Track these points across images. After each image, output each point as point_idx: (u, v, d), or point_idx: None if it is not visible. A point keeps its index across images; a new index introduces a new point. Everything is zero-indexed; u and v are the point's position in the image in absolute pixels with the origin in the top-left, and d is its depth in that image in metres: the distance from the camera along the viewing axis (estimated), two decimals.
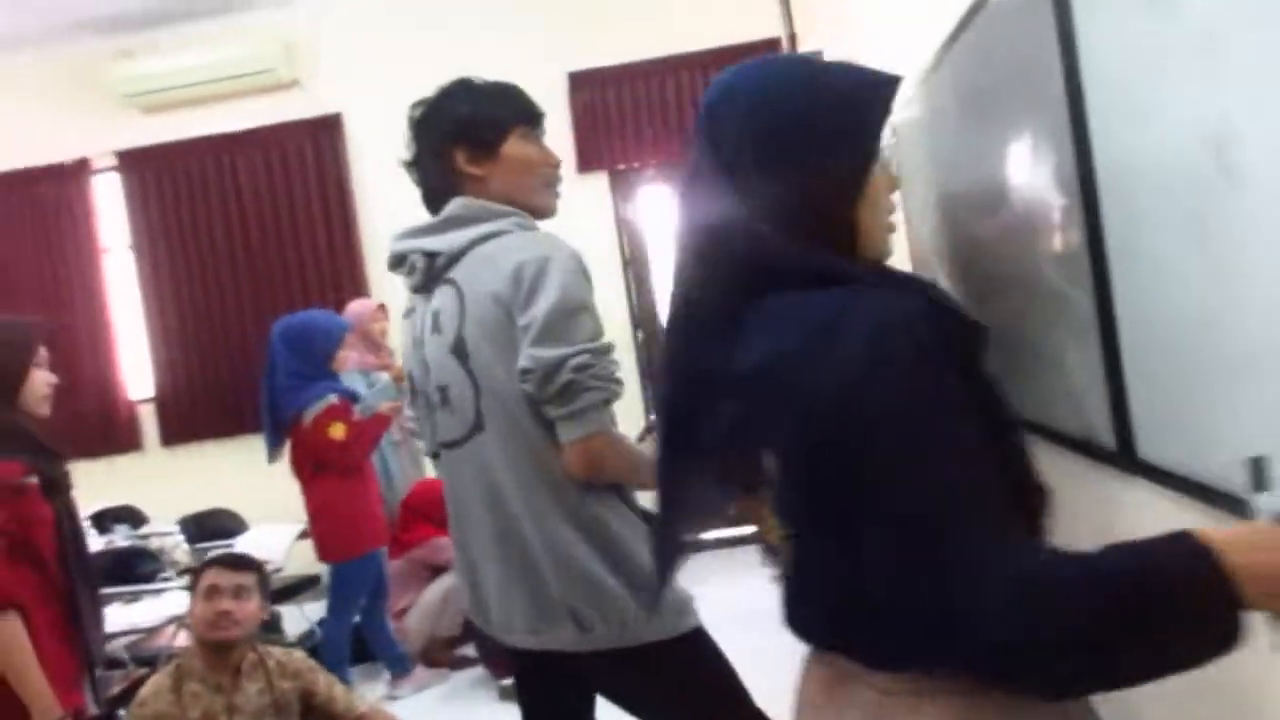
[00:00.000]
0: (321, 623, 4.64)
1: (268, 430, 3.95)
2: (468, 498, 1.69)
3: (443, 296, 1.66)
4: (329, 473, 3.83)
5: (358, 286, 6.06)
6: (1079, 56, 1.46)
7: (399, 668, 4.17)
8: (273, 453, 3.97)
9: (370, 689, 4.12)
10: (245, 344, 6.13)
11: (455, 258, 1.64)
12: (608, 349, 1.61)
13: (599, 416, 1.59)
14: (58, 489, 2.17)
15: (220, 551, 4.61)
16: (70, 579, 2.14)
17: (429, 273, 1.68)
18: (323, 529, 3.91)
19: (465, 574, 1.78)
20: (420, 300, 1.74)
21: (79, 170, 6.21)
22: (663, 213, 6.10)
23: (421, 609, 4.42)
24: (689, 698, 1.67)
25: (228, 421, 6.15)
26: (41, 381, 2.17)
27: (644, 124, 5.86)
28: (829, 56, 5.74)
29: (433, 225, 1.69)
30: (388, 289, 5.97)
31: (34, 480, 2.09)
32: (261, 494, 5.55)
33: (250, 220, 6.10)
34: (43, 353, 2.19)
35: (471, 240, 1.64)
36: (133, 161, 6.15)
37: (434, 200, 1.74)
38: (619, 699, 1.75)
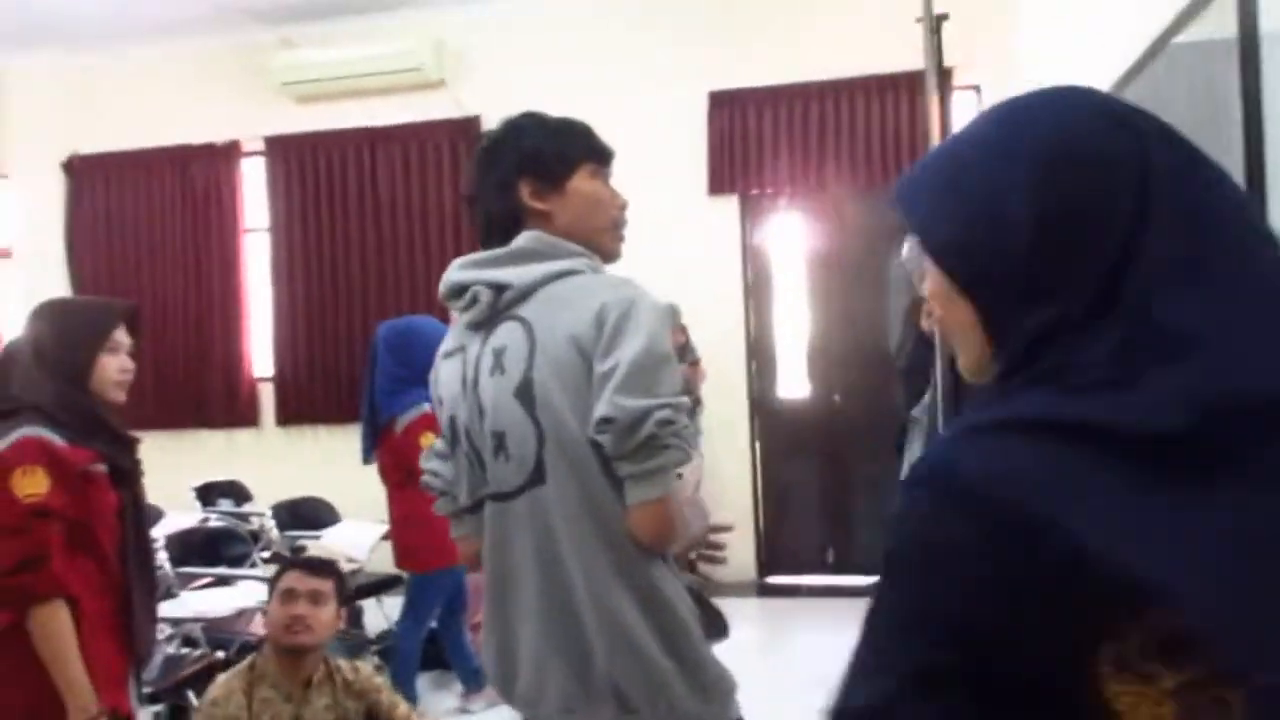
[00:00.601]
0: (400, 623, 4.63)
1: (365, 431, 3.96)
2: (514, 555, 1.53)
3: (508, 334, 1.51)
4: (417, 482, 3.77)
5: None
6: (1263, 105, 1.32)
7: (473, 682, 4.09)
8: (368, 455, 3.98)
9: (440, 699, 4.06)
10: (364, 335, 6.21)
11: (525, 294, 1.51)
12: (689, 407, 1.50)
13: (671, 479, 1.47)
14: (127, 479, 2.13)
15: (304, 552, 4.67)
16: (126, 572, 2.10)
17: (494, 307, 1.53)
18: (405, 538, 3.87)
19: (495, 637, 1.61)
20: (471, 337, 1.57)
21: (230, 152, 6.44)
22: (791, 242, 5.90)
23: None
24: None
25: (339, 409, 6.25)
26: (114, 368, 2.09)
27: (781, 149, 5.69)
28: (988, 94, 5.45)
29: (499, 257, 1.55)
30: None
31: (103, 468, 2.05)
32: (359, 486, 5.60)
33: (383, 215, 6.20)
34: (120, 337, 2.11)
35: (545, 276, 1.52)
36: (280, 147, 6.34)
37: (493, 235, 1.60)
38: None
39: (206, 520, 4.68)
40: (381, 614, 4.61)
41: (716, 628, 1.65)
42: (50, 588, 1.91)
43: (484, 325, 1.55)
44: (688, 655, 1.48)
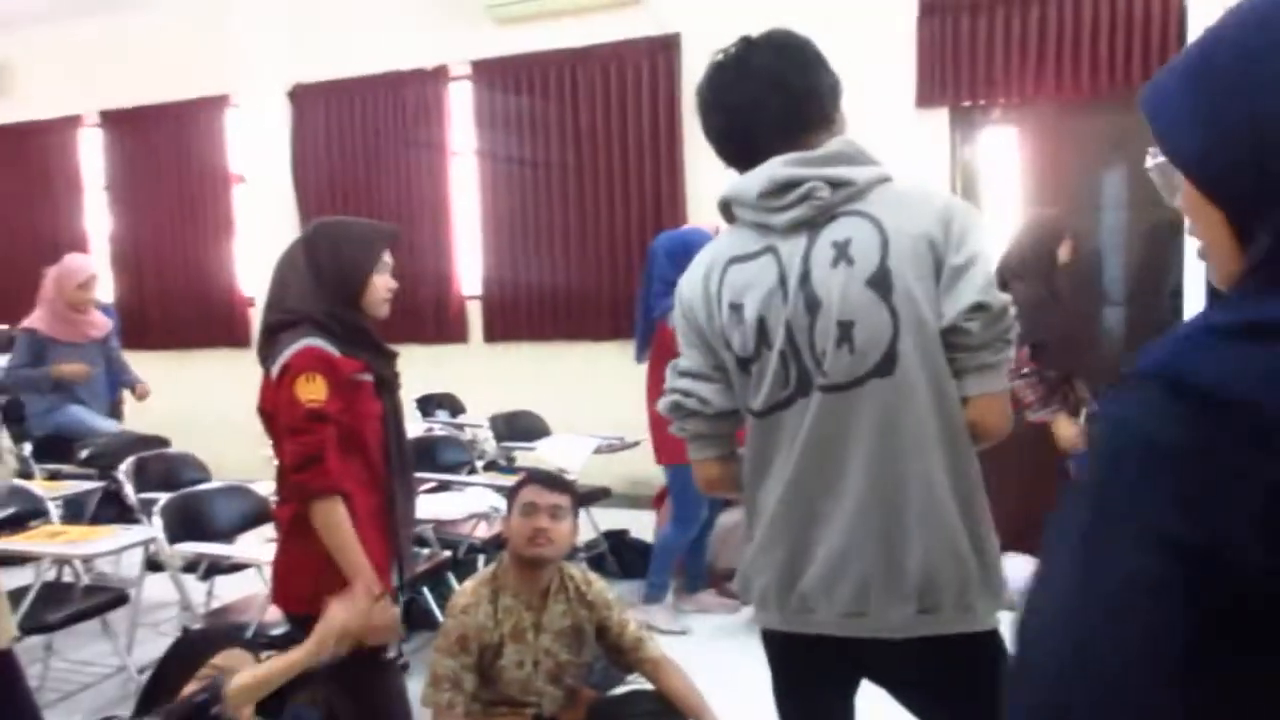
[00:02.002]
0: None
1: (638, 332, 4.18)
2: (839, 447, 1.53)
3: (849, 228, 1.52)
4: None
5: (677, 209, 6.09)
6: None
7: (694, 585, 4.24)
8: (641, 353, 4.17)
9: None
10: (566, 253, 6.38)
11: (863, 192, 1.54)
12: None
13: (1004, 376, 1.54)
14: (389, 388, 2.29)
15: (515, 462, 4.89)
16: (389, 473, 2.27)
17: (828, 204, 1.53)
18: (662, 431, 4.03)
19: (786, 539, 1.58)
20: (785, 237, 1.56)
21: (439, 76, 6.65)
22: (1004, 158, 5.60)
23: (718, 531, 4.44)
24: (993, 695, 1.53)
25: (543, 326, 6.47)
26: (383, 286, 2.24)
27: (996, 56, 5.35)
28: None
29: (825, 157, 1.55)
30: (706, 210, 5.95)
31: (369, 378, 2.21)
32: (564, 402, 5.83)
33: (583, 135, 6.28)
34: (386, 258, 2.25)
35: (876, 178, 1.55)
36: (485, 71, 6.49)
37: (774, 137, 1.58)
38: (921, 690, 1.61)
39: (431, 430, 4.97)
40: (590, 524, 4.79)
41: None
42: (327, 484, 2.09)
43: (809, 223, 1.54)
44: (989, 557, 1.53)
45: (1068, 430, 3.84)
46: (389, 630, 2.13)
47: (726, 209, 1.67)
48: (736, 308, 1.59)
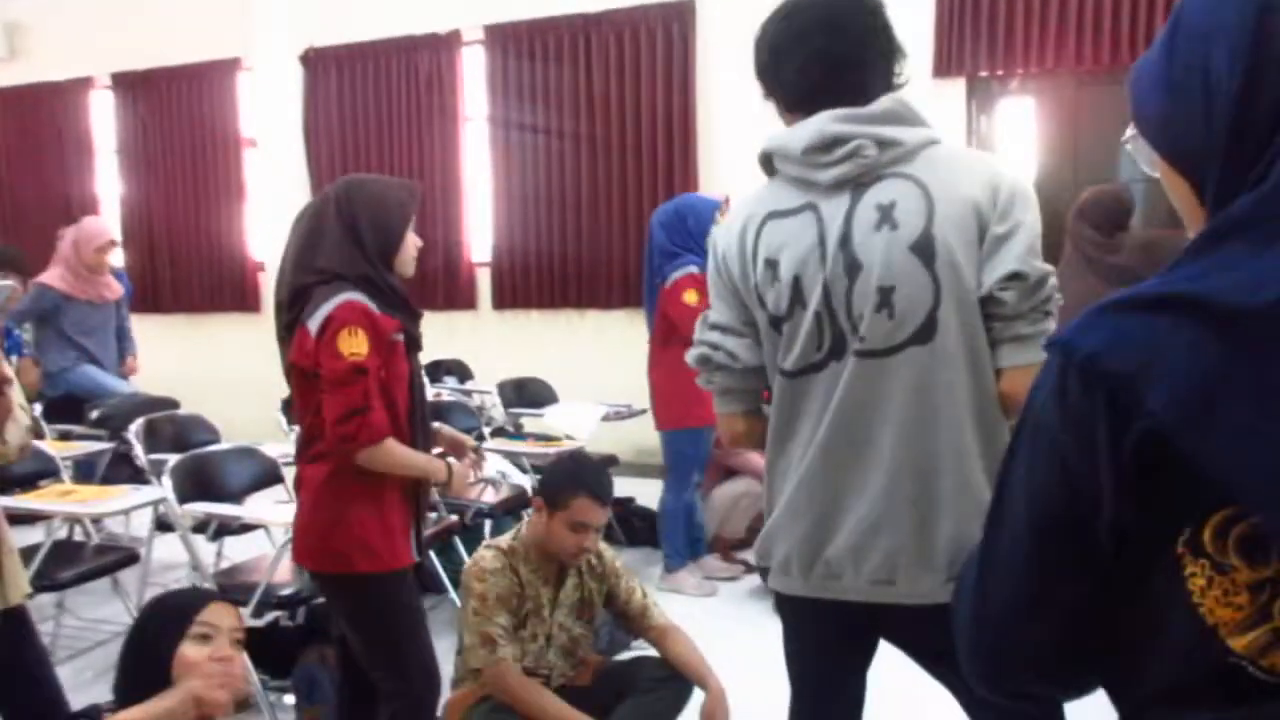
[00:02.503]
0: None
1: (647, 308, 4.19)
2: (873, 413, 1.51)
3: (895, 191, 1.49)
4: (675, 343, 3.95)
5: (688, 174, 6.06)
6: None
7: (694, 551, 4.26)
8: (652, 329, 4.17)
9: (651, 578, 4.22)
10: (576, 224, 6.35)
11: (911, 153, 1.51)
12: None
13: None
14: (416, 347, 2.28)
15: (523, 429, 4.89)
16: (414, 433, 2.26)
17: (874, 163, 1.50)
18: (661, 397, 4.10)
19: (815, 504, 1.56)
20: (828, 194, 1.52)
21: (452, 41, 6.60)
22: (1023, 130, 5.53)
23: (711, 506, 4.46)
24: None
25: (552, 293, 6.46)
26: (412, 244, 2.24)
27: (1016, 28, 5.28)
28: None
29: (875, 115, 1.51)
30: (717, 179, 5.92)
31: (401, 338, 2.19)
32: (573, 370, 5.83)
33: (596, 101, 6.23)
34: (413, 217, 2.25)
35: (924, 140, 1.52)
36: (499, 36, 6.44)
37: (831, 90, 1.52)
38: (948, 656, 1.61)
39: (439, 396, 4.98)
40: None
41: None
42: (373, 434, 2.08)
43: (853, 182, 1.51)
44: None
45: None
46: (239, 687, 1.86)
47: (768, 162, 1.62)
48: (772, 264, 1.55)
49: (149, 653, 1.70)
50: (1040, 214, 1.52)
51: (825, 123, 1.51)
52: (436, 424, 2.48)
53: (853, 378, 1.51)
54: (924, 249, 1.46)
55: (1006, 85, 5.54)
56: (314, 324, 2.08)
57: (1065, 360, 0.75)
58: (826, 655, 1.72)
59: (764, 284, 1.56)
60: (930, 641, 1.59)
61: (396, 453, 2.14)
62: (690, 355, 1.67)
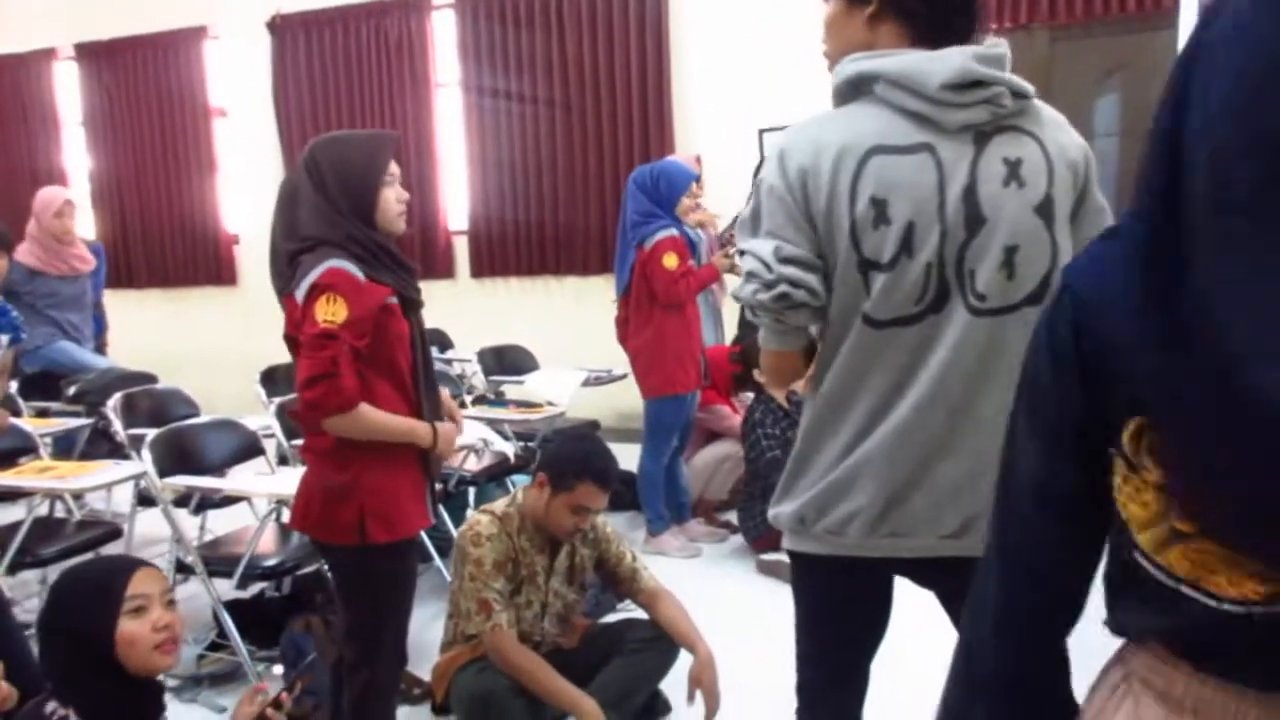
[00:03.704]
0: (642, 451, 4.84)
1: (617, 268, 4.17)
2: (979, 374, 1.45)
3: (1020, 148, 1.43)
4: (655, 308, 3.99)
5: (664, 137, 6.03)
6: None
7: (678, 515, 4.30)
8: (622, 291, 4.15)
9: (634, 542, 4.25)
10: (554, 187, 6.32)
11: (1034, 108, 1.46)
12: None
13: None
14: (414, 307, 2.20)
15: (505, 396, 4.88)
16: (418, 395, 2.20)
17: (1006, 114, 1.42)
18: (643, 365, 4.10)
19: (884, 460, 1.48)
20: (948, 138, 1.41)
21: (421, 5, 6.51)
22: None
23: (695, 469, 4.49)
24: None
25: (530, 260, 6.44)
26: (394, 199, 2.15)
27: None
28: None
29: (1001, 59, 1.41)
30: (693, 141, 5.90)
31: (395, 300, 2.12)
32: (552, 336, 5.83)
33: (570, 66, 6.18)
34: (394, 169, 2.16)
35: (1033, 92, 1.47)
36: (469, 0, 6.34)
37: (952, 28, 1.42)
38: None
39: None
40: None
41: None
42: (341, 400, 2.01)
43: (977, 129, 1.42)
44: None
45: None
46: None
47: (859, 85, 1.45)
48: (879, 204, 1.40)
49: (85, 637, 1.64)
50: None
51: (968, 60, 1.37)
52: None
53: (964, 337, 1.44)
54: (1046, 211, 1.43)
55: (979, 40, 5.52)
56: (300, 292, 2.03)
57: (1061, 290, 0.86)
58: (848, 612, 1.68)
59: (864, 223, 1.41)
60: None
61: (370, 418, 2.06)
62: (765, 295, 1.45)
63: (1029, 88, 1.42)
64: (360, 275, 2.05)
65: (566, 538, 2.65)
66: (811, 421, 1.55)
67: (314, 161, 2.11)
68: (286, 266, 2.10)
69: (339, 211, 2.08)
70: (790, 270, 1.43)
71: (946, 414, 1.45)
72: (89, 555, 3.36)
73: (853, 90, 1.46)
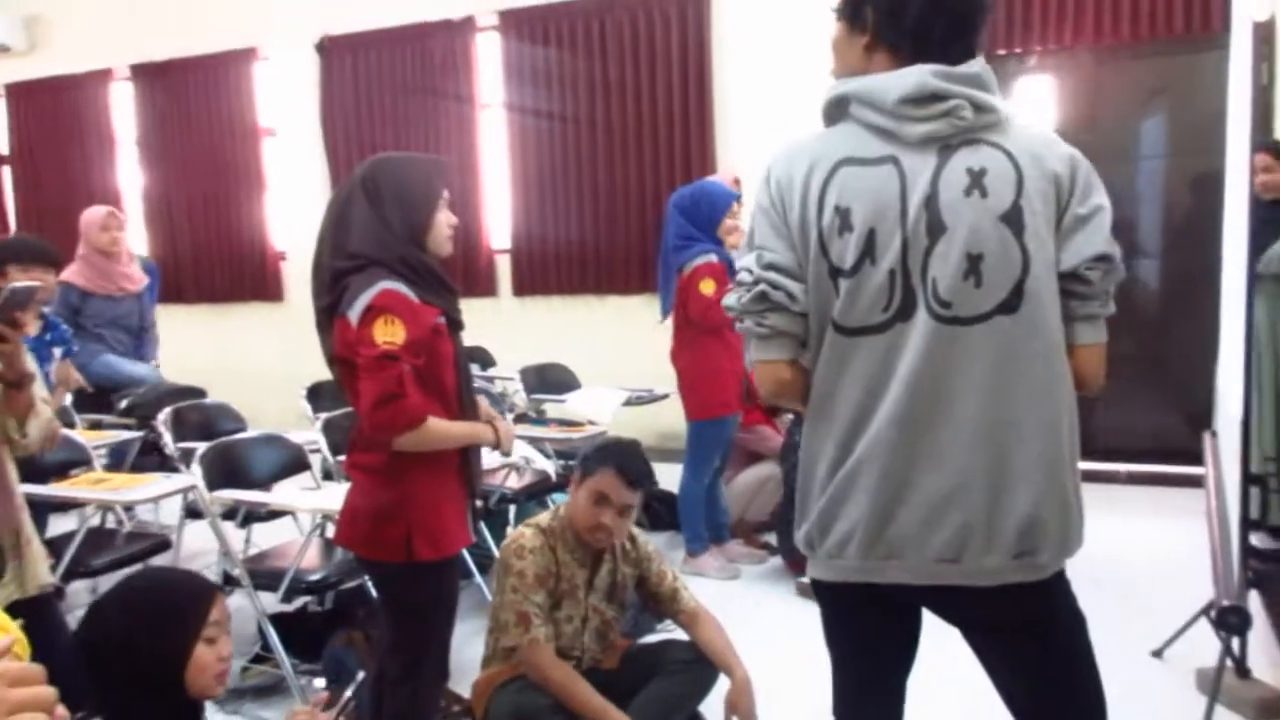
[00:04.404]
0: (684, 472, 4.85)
1: (661, 290, 4.22)
2: (951, 382, 1.46)
3: (983, 158, 1.46)
4: (696, 331, 4.02)
5: (705, 157, 6.06)
6: None
7: (717, 536, 4.29)
8: (666, 313, 4.19)
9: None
10: (595, 206, 6.37)
11: (1000, 122, 1.49)
12: None
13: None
14: (458, 327, 2.23)
15: (546, 414, 4.91)
16: (464, 414, 2.22)
17: (967, 126, 1.47)
18: (687, 383, 4.14)
19: (877, 476, 1.49)
20: (912, 151, 1.47)
21: (465, 27, 6.60)
22: (1037, 110, 5.49)
23: (736, 490, 4.48)
24: (1075, 627, 1.58)
25: (572, 279, 6.49)
26: (445, 223, 2.18)
27: (1034, 3, 5.25)
28: None
29: (970, 77, 1.47)
30: (734, 161, 5.91)
31: (442, 320, 2.15)
32: (594, 355, 5.86)
33: (612, 86, 6.23)
34: (445, 194, 2.19)
35: (1009, 110, 1.51)
36: (513, 21, 6.44)
37: (936, 46, 1.48)
38: (999, 633, 1.59)
39: None
40: None
41: None
42: (410, 418, 2.05)
43: (941, 141, 1.48)
44: (1081, 502, 1.54)
45: None
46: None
47: (840, 105, 1.54)
48: (843, 213, 1.48)
49: (156, 655, 1.62)
50: None
51: (925, 76, 1.45)
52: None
53: (932, 345, 1.46)
54: (1013, 220, 1.45)
55: (1025, 63, 5.50)
56: (354, 313, 2.04)
57: None
58: (877, 643, 1.67)
59: (830, 232, 1.49)
60: (986, 620, 1.58)
61: (438, 429, 2.11)
62: (740, 297, 1.55)
63: (992, 101, 1.48)
64: (414, 297, 2.07)
65: (592, 538, 2.62)
66: (805, 437, 1.60)
67: (371, 181, 2.13)
68: (331, 283, 2.12)
69: (392, 232, 2.10)
70: (771, 274, 1.52)
71: (922, 425, 1.47)
72: (138, 567, 3.44)
73: (836, 111, 1.56)
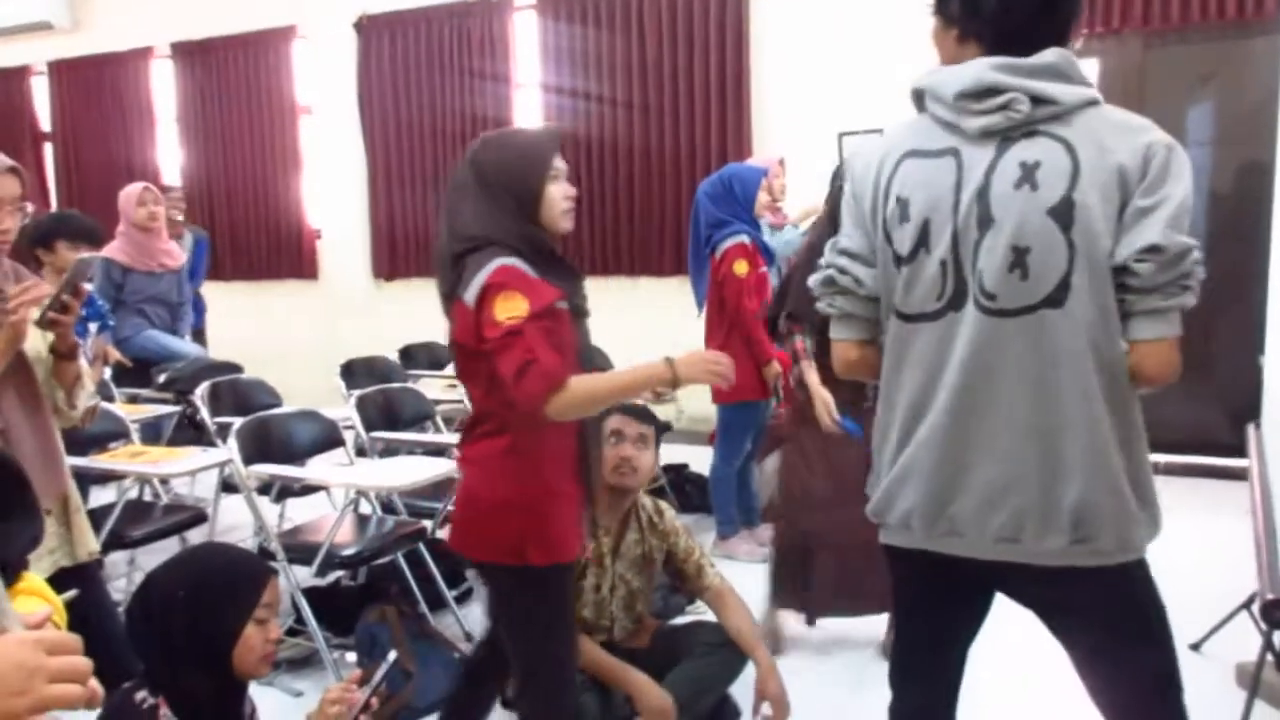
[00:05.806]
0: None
1: (694, 280, 4.24)
2: (1000, 373, 1.50)
3: (1040, 150, 1.47)
4: (727, 316, 4.01)
5: (742, 140, 6.02)
6: None
7: (748, 522, 4.28)
8: (701, 305, 4.20)
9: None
10: (630, 188, 6.34)
11: (1065, 114, 1.47)
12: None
13: (1180, 322, 1.49)
14: (582, 314, 2.06)
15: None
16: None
17: (1026, 119, 1.47)
18: None
19: (936, 459, 1.55)
20: (972, 143, 1.50)
21: (503, 7, 6.59)
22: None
23: (765, 474, 4.46)
24: (1150, 615, 1.59)
25: (605, 261, 6.47)
26: (560, 195, 1.99)
27: None
28: None
29: (1035, 69, 1.47)
30: (771, 144, 5.86)
31: (565, 305, 1.96)
32: (627, 336, 5.81)
33: (649, 67, 6.20)
34: (559, 163, 2.02)
35: (1082, 100, 1.48)
36: (551, 1, 6.40)
37: (1015, 39, 1.49)
38: (1070, 615, 1.61)
39: None
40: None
41: None
42: (551, 379, 1.85)
43: (1001, 134, 1.49)
44: (1148, 493, 1.54)
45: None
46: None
47: (919, 98, 1.59)
48: (903, 203, 1.55)
49: (208, 632, 1.63)
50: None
51: (983, 70, 1.48)
52: None
53: (979, 336, 1.51)
54: (1062, 214, 1.44)
55: (1070, 47, 5.39)
56: (470, 295, 1.90)
57: None
58: (940, 611, 1.73)
59: (892, 221, 1.56)
60: (1052, 600, 1.61)
61: (591, 384, 1.89)
62: (814, 278, 1.68)
63: (1053, 92, 1.45)
64: (532, 272, 1.91)
65: (620, 479, 2.58)
66: (876, 417, 1.67)
67: (477, 162, 2.01)
68: (451, 269, 1.99)
69: (504, 211, 1.96)
70: (841, 260, 1.64)
71: (976, 414, 1.53)
72: (174, 539, 3.49)
73: (918, 104, 1.61)
